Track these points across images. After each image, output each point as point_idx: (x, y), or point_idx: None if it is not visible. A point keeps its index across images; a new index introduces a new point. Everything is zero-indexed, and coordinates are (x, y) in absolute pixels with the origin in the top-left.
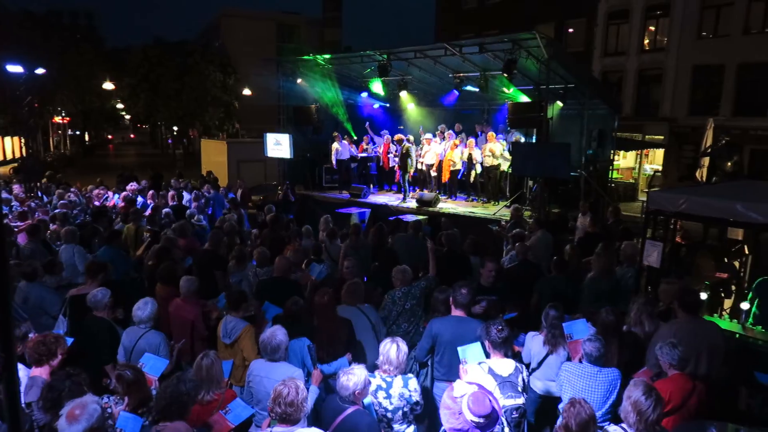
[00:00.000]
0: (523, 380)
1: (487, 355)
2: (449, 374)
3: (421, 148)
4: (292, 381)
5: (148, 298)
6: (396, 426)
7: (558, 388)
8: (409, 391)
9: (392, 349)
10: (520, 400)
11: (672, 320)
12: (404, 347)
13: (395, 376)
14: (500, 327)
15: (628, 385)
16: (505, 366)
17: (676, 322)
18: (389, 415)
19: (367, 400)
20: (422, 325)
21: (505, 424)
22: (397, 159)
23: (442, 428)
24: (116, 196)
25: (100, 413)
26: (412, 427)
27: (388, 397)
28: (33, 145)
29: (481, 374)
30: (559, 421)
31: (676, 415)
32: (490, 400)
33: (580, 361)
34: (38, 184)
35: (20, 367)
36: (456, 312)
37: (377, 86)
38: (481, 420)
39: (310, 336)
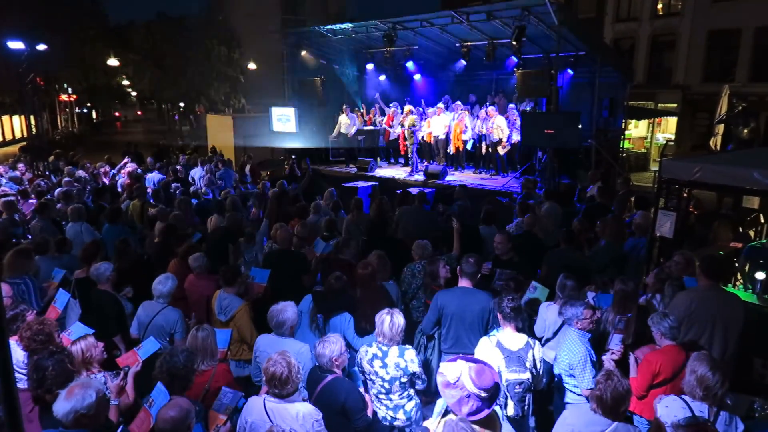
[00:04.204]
0: (534, 356)
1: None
2: (455, 347)
3: (428, 119)
4: (282, 357)
5: (168, 274)
6: (394, 397)
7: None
8: (405, 361)
9: (385, 321)
10: (525, 375)
11: (690, 288)
12: (399, 320)
13: (391, 346)
14: (511, 298)
15: (691, 359)
16: (516, 340)
17: (694, 289)
18: (386, 385)
19: (366, 369)
20: None
21: (508, 397)
22: (400, 131)
23: (448, 410)
24: (113, 172)
25: (93, 401)
26: (413, 402)
27: (384, 366)
28: (40, 123)
29: (489, 347)
30: (595, 392)
31: (668, 386)
32: (490, 369)
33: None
34: (46, 163)
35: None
36: (462, 282)
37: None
38: (487, 393)
39: (352, 309)
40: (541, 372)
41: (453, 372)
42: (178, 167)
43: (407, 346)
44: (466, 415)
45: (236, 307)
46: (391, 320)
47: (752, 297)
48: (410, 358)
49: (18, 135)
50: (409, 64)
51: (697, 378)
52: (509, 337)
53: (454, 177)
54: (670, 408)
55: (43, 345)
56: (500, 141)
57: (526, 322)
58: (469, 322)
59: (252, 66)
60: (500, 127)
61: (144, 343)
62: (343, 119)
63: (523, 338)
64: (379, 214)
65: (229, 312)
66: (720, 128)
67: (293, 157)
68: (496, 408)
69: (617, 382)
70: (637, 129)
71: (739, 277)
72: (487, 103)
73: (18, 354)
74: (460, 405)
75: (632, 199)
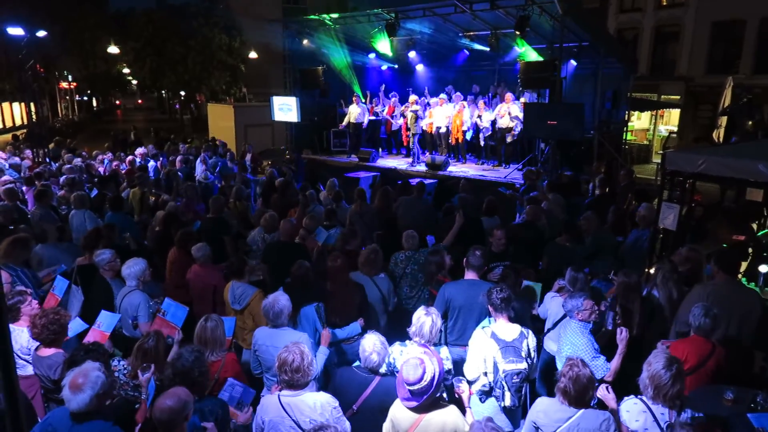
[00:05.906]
0: (528, 345)
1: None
2: (462, 339)
3: (431, 110)
4: (296, 346)
5: (139, 258)
6: None
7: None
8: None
9: (426, 323)
10: (522, 365)
11: (707, 282)
12: (438, 321)
13: (428, 346)
14: (500, 289)
15: (651, 354)
16: (509, 330)
17: (711, 284)
18: None
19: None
20: (425, 292)
21: (505, 388)
22: (402, 122)
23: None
24: (107, 162)
25: (104, 379)
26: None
27: None
28: (40, 110)
29: (483, 338)
30: (559, 384)
31: (692, 376)
32: (424, 366)
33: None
34: (46, 150)
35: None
36: (469, 275)
37: (384, 45)
38: (414, 387)
39: (323, 301)
40: (535, 361)
41: (407, 355)
42: (179, 156)
43: (442, 344)
44: (401, 399)
45: (251, 295)
46: (432, 322)
47: (755, 290)
48: (445, 356)
49: (18, 122)
50: (412, 54)
51: (650, 375)
52: (503, 327)
53: (456, 168)
54: (631, 412)
55: (55, 336)
56: (509, 129)
57: (527, 313)
58: (477, 315)
59: (253, 55)
60: (515, 114)
61: (166, 306)
62: (353, 109)
63: (516, 328)
64: (384, 204)
65: (243, 300)
66: (723, 120)
67: (283, 147)
68: (492, 399)
69: (579, 371)
70: (639, 121)
71: (741, 269)
72: (490, 94)
73: (22, 339)
74: (398, 387)
75: (633, 193)
